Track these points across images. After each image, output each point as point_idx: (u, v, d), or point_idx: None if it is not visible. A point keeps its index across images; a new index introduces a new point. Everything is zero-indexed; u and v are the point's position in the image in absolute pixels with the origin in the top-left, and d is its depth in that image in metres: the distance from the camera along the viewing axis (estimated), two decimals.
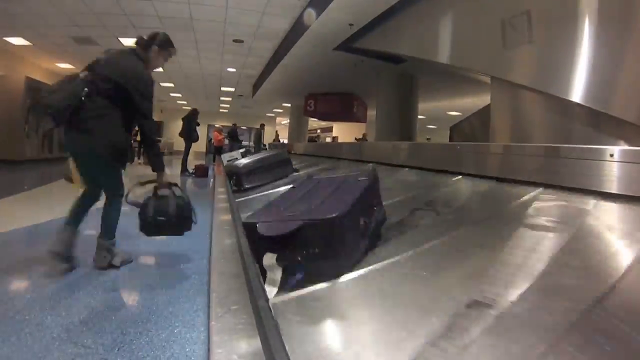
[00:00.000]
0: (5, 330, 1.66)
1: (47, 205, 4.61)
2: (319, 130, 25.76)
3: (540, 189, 1.79)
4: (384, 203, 1.79)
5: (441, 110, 14.70)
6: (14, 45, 8.90)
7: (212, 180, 6.80)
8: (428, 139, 10.63)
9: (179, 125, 9.26)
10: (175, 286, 2.31)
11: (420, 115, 9.34)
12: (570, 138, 2.68)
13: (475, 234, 1.61)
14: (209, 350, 0.71)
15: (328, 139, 24.46)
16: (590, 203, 1.53)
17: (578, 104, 2.62)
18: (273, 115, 22.21)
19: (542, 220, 1.52)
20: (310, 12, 5.61)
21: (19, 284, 2.19)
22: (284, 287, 1.24)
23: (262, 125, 14.62)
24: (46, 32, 7.84)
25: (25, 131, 8.81)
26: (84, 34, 7.68)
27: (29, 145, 9.00)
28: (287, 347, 0.84)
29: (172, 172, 10.16)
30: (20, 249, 2.86)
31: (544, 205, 1.67)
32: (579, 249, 1.25)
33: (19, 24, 7.49)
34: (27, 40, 8.52)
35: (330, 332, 1.04)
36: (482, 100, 10.42)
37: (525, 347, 0.82)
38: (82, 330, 1.72)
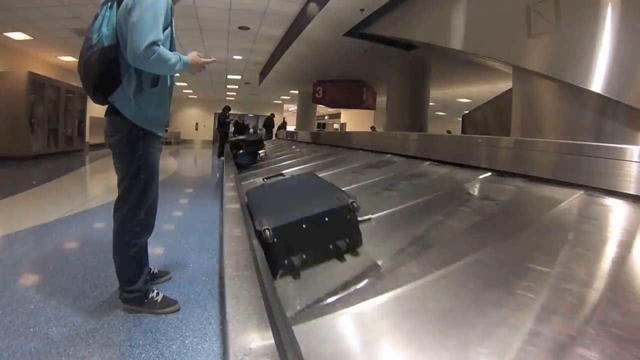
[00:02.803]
0: (10, 345, 1.59)
1: (57, 202, 4.57)
2: (326, 117, 25.59)
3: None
4: None
5: (451, 97, 14.48)
6: (14, 40, 8.79)
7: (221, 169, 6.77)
8: (448, 131, 10.45)
9: (185, 114, 9.22)
10: (184, 289, 2.23)
11: (430, 102, 9.18)
12: (603, 132, 2.58)
13: None
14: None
15: (335, 126, 24.34)
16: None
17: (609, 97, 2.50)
18: (280, 102, 22.06)
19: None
20: None
21: (23, 293, 2.11)
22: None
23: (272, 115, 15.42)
24: (46, 26, 7.72)
25: (31, 126, 8.77)
26: (85, 25, 7.51)
27: (34, 141, 8.97)
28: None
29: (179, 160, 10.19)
30: (25, 253, 2.78)
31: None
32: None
33: (18, 19, 7.36)
34: (28, 34, 8.40)
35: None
36: (494, 87, 10.24)
37: None
38: (88, 343, 1.64)
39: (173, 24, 1.94)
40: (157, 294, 2.00)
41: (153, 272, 2.29)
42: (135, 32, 1.66)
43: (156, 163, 1.97)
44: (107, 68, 1.77)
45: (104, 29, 1.77)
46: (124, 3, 1.75)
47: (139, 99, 1.84)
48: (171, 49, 1.88)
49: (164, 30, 1.78)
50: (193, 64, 1.91)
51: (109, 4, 1.81)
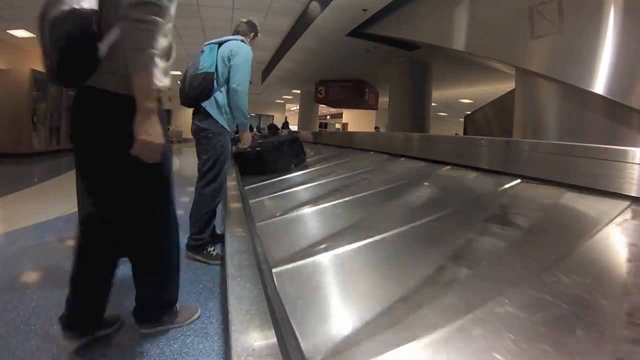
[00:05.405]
0: (10, 343, 1.59)
1: (59, 199, 4.57)
2: (328, 117, 25.58)
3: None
4: None
5: (453, 97, 14.46)
6: (17, 37, 8.80)
7: None
8: (456, 134, 10.41)
9: (187, 113, 9.19)
10: (186, 289, 2.23)
11: (432, 102, 9.18)
12: (605, 134, 2.57)
13: None
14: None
15: (337, 126, 24.31)
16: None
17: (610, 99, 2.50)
18: (282, 102, 22.05)
19: None
20: None
21: (24, 290, 2.11)
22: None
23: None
24: None
25: (34, 123, 8.78)
26: None
27: (37, 138, 8.97)
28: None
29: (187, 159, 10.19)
30: (27, 250, 2.78)
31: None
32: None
33: (21, 16, 7.37)
34: (30, 32, 8.39)
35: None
36: (495, 88, 10.24)
37: None
38: (89, 341, 1.63)
39: None
40: (214, 250, 2.64)
41: (218, 233, 2.86)
42: (238, 72, 2.57)
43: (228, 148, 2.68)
44: (206, 85, 2.56)
45: (208, 61, 2.57)
46: (226, 47, 2.62)
47: (227, 108, 2.63)
48: None
49: None
50: (248, 132, 2.81)
51: (211, 45, 2.67)
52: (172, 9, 1.39)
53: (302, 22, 6.71)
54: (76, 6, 1.20)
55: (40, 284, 2.21)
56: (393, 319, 0.84)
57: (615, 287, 0.97)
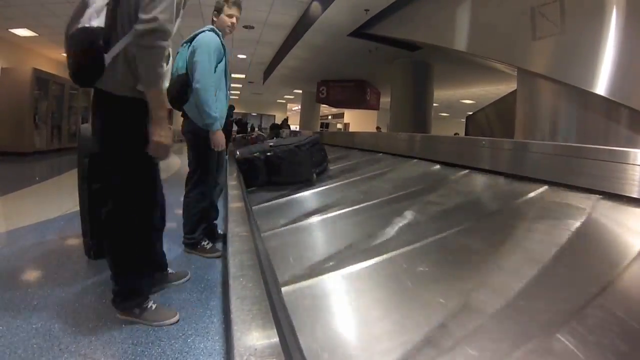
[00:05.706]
0: (12, 341, 1.59)
1: (60, 198, 4.58)
2: (330, 117, 25.57)
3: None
4: None
5: (454, 98, 14.45)
6: (19, 36, 8.82)
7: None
8: (456, 134, 10.38)
9: None
10: (187, 287, 2.23)
11: (434, 102, 9.18)
12: (607, 135, 2.57)
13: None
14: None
15: (339, 126, 24.31)
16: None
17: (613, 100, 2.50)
18: (284, 101, 22.05)
19: None
20: None
21: (26, 289, 2.11)
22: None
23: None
24: (51, 23, 7.72)
25: (35, 122, 8.79)
26: None
27: (38, 137, 8.99)
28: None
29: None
30: (28, 249, 2.78)
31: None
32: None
33: (23, 15, 7.39)
34: (33, 31, 8.42)
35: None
36: (496, 89, 10.24)
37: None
38: (90, 341, 1.64)
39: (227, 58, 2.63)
40: (208, 243, 2.75)
41: (218, 233, 3.01)
42: (197, 69, 2.40)
43: (211, 149, 2.58)
44: (179, 88, 2.36)
45: (180, 63, 2.48)
46: (192, 44, 2.47)
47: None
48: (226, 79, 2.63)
49: (217, 64, 2.48)
50: (217, 135, 2.52)
51: (185, 44, 2.55)
52: (175, 26, 1.66)
53: (304, 23, 6.71)
54: (87, 25, 1.52)
55: (42, 282, 2.22)
56: None
57: None
